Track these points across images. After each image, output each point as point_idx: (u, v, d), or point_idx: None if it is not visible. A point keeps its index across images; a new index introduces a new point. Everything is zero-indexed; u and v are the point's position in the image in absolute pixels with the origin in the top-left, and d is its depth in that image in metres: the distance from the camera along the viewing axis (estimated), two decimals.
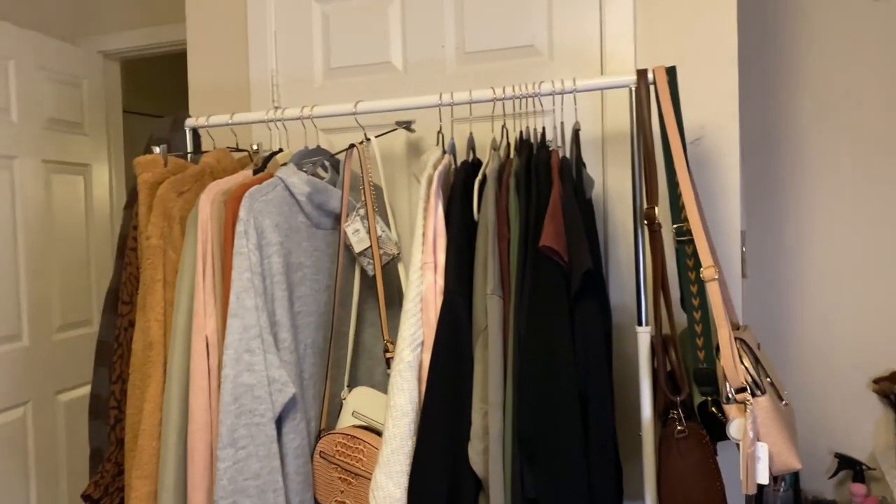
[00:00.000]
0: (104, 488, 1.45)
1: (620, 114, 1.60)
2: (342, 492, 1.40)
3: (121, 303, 1.50)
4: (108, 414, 1.49)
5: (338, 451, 1.41)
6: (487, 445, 1.20)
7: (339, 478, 1.41)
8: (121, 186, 2.83)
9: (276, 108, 1.57)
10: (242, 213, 1.34)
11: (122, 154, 2.84)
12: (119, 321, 1.50)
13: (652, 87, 1.30)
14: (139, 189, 1.46)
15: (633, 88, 1.32)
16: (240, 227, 1.34)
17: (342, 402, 1.52)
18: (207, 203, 1.39)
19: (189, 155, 1.65)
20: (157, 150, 1.53)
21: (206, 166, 1.54)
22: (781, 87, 2.10)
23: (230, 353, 1.30)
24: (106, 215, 2.72)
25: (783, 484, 1.96)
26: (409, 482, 1.25)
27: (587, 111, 1.63)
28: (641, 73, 1.30)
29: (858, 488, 1.94)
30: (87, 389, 2.56)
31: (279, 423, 1.36)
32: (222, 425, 1.29)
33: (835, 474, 2.02)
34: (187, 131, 1.66)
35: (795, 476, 1.98)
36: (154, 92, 3.97)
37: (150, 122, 3.78)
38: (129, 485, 1.38)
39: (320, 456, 1.44)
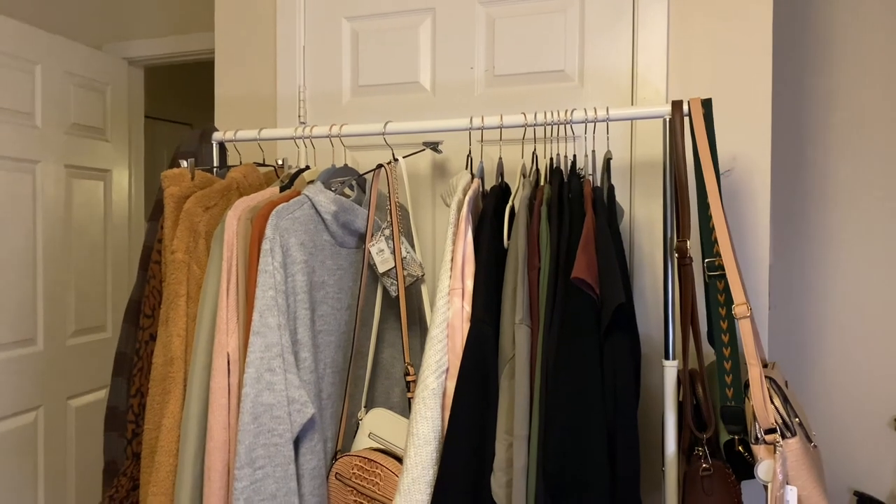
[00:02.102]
0: (118, 503, 1.44)
1: (650, 143, 1.59)
2: None
3: (142, 316, 1.49)
4: (124, 427, 1.48)
5: (354, 473, 1.40)
6: (511, 478, 1.19)
7: (355, 500, 1.39)
8: (140, 192, 2.83)
9: (303, 123, 1.57)
10: (269, 231, 1.33)
11: (142, 160, 2.85)
12: (140, 334, 1.49)
13: (686, 119, 1.29)
14: (165, 203, 1.46)
15: (668, 119, 1.31)
16: (265, 245, 1.33)
17: (358, 423, 1.50)
18: (234, 220, 1.38)
19: (216, 169, 1.65)
20: (184, 163, 1.53)
21: (232, 181, 1.53)
22: (810, 118, 2.08)
23: (251, 372, 1.29)
24: (125, 221, 2.72)
25: None
26: None
27: (617, 139, 1.62)
28: (677, 105, 1.29)
29: None
30: (98, 395, 2.55)
31: (296, 443, 1.35)
32: (241, 444, 1.28)
33: None
34: (214, 145, 1.65)
35: None
36: (176, 98, 3.98)
37: (172, 128, 3.79)
38: (145, 501, 1.37)
39: (336, 478, 1.42)
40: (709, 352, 1.28)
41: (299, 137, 1.54)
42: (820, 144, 2.07)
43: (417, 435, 1.24)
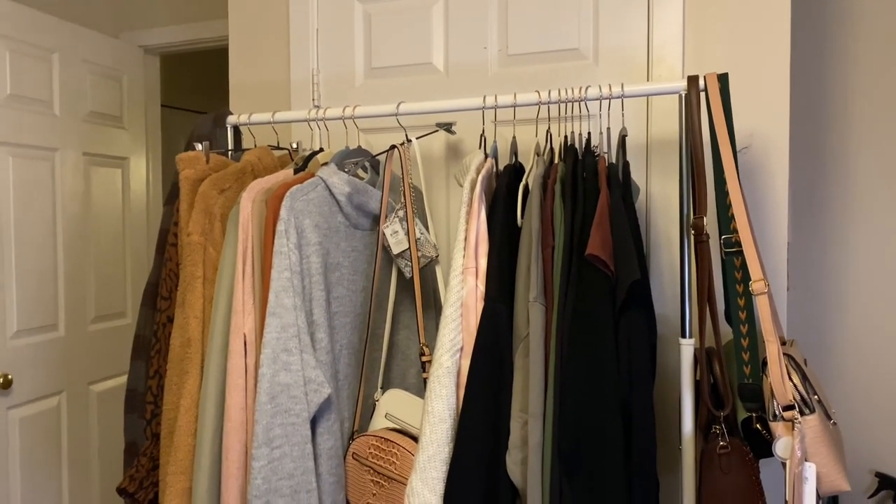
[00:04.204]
0: (139, 482, 1.46)
1: (666, 120, 1.57)
2: (374, 494, 1.40)
3: (160, 298, 1.51)
4: (144, 408, 1.50)
5: (371, 453, 1.40)
6: (526, 456, 1.19)
7: (372, 480, 1.40)
8: (157, 180, 2.85)
9: (317, 106, 1.57)
10: (283, 213, 1.34)
11: (159, 148, 2.86)
12: (157, 316, 1.50)
13: (702, 95, 1.27)
14: (181, 185, 1.47)
15: (683, 95, 1.29)
16: (280, 227, 1.34)
17: (375, 404, 1.51)
18: (249, 202, 1.39)
19: (230, 152, 1.65)
20: (199, 146, 1.54)
21: (247, 164, 1.54)
22: (830, 94, 2.05)
23: (268, 352, 1.30)
24: (143, 209, 2.75)
25: (821, 502, 1.91)
26: (446, 489, 1.23)
27: (632, 117, 1.60)
28: (692, 81, 1.27)
29: None
30: (120, 381, 2.59)
31: (313, 423, 1.36)
32: (258, 424, 1.29)
33: (874, 494, 1.97)
34: (229, 128, 1.66)
35: (834, 495, 1.93)
36: (192, 86, 4.00)
37: (188, 117, 3.82)
38: (164, 480, 1.38)
39: (353, 457, 1.43)
40: (726, 330, 1.27)
41: (313, 120, 1.54)
42: (840, 124, 2.04)
43: (433, 413, 1.25)
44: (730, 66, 1.55)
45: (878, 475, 1.97)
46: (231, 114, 1.66)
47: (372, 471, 1.40)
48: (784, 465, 1.15)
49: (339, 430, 1.42)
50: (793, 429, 1.14)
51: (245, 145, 1.74)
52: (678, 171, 1.53)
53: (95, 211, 2.49)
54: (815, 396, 1.20)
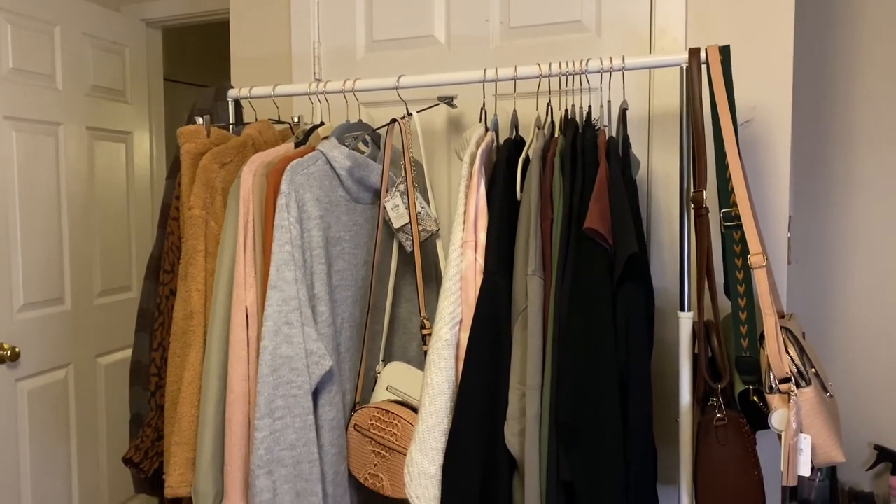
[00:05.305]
0: (144, 452, 1.48)
1: (669, 94, 1.56)
2: (375, 465, 1.42)
3: (162, 271, 1.52)
4: (148, 380, 1.52)
5: (372, 424, 1.42)
6: (524, 427, 1.20)
7: (373, 451, 1.42)
8: (161, 154, 2.85)
9: (318, 80, 1.56)
10: (284, 187, 1.34)
11: (163, 122, 2.86)
12: (160, 289, 1.52)
13: (704, 67, 1.26)
14: (182, 159, 1.47)
15: (685, 68, 1.28)
16: (281, 200, 1.34)
17: (377, 376, 1.53)
18: (249, 175, 1.39)
19: (231, 126, 1.65)
20: (200, 120, 1.54)
21: (248, 138, 1.54)
22: (835, 68, 2.03)
23: (269, 325, 1.31)
24: (146, 183, 2.75)
25: (819, 475, 1.93)
26: (445, 460, 1.25)
27: (634, 90, 1.59)
28: (694, 53, 1.27)
29: None
30: (126, 354, 2.61)
31: (315, 395, 1.37)
32: (260, 396, 1.30)
33: (873, 466, 1.99)
34: (229, 102, 1.66)
35: (832, 467, 1.95)
36: (195, 60, 3.98)
37: (191, 91, 3.80)
38: (169, 450, 1.41)
39: (355, 429, 1.45)
40: (724, 305, 1.27)
41: (313, 93, 1.54)
42: (842, 96, 2.02)
43: (432, 385, 1.26)
44: (733, 39, 1.53)
45: (877, 448, 1.98)
46: (232, 87, 1.66)
47: (373, 442, 1.42)
48: (780, 436, 1.16)
49: (341, 402, 1.43)
50: (789, 401, 1.15)
51: (246, 119, 1.74)
52: (679, 144, 1.52)
53: (99, 185, 2.50)
54: (812, 370, 1.21)
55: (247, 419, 1.36)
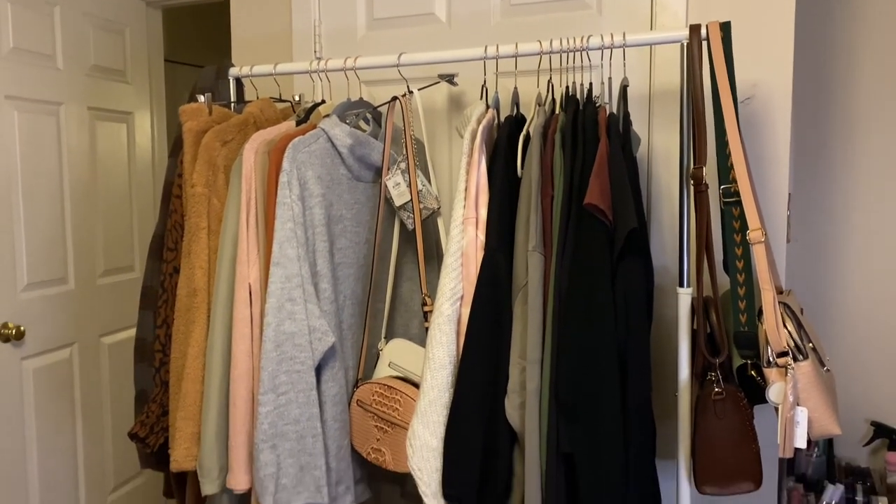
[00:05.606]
0: (149, 428, 1.50)
1: (670, 71, 1.56)
2: (378, 439, 1.44)
3: (166, 249, 1.53)
4: (153, 357, 1.54)
5: (375, 400, 1.44)
6: (524, 400, 1.22)
7: (376, 426, 1.44)
8: (162, 136, 2.85)
9: (319, 59, 1.56)
10: (286, 164, 1.35)
11: (163, 103, 2.86)
12: (164, 267, 1.53)
13: (705, 44, 1.27)
14: (184, 137, 1.48)
15: (685, 44, 1.28)
16: (283, 178, 1.35)
17: (379, 353, 1.54)
18: (251, 153, 1.40)
19: (233, 104, 1.66)
20: (201, 98, 1.54)
21: (249, 116, 1.54)
22: (836, 45, 2.02)
23: (272, 302, 1.33)
24: (148, 164, 2.75)
25: (816, 450, 1.95)
26: (446, 433, 1.27)
27: (635, 67, 1.59)
28: (694, 29, 1.27)
29: (894, 457, 1.92)
30: (129, 333, 2.63)
31: (318, 371, 1.39)
32: (264, 371, 1.32)
33: (870, 442, 2.01)
34: (231, 80, 1.66)
35: (829, 442, 1.97)
36: (195, 41, 3.97)
37: (191, 72, 3.79)
38: (174, 425, 1.43)
39: (357, 404, 1.46)
40: (723, 281, 1.28)
41: (314, 71, 1.54)
42: (843, 74, 2.02)
43: (433, 359, 1.28)
44: (735, 16, 1.53)
45: (874, 424, 2.00)
46: (233, 66, 1.66)
47: (376, 417, 1.44)
48: (777, 409, 1.17)
49: (344, 378, 1.45)
50: (786, 375, 1.16)
51: (247, 98, 1.74)
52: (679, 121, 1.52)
53: (101, 166, 2.50)
54: (810, 344, 1.22)
55: (251, 394, 1.37)
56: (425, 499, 1.29)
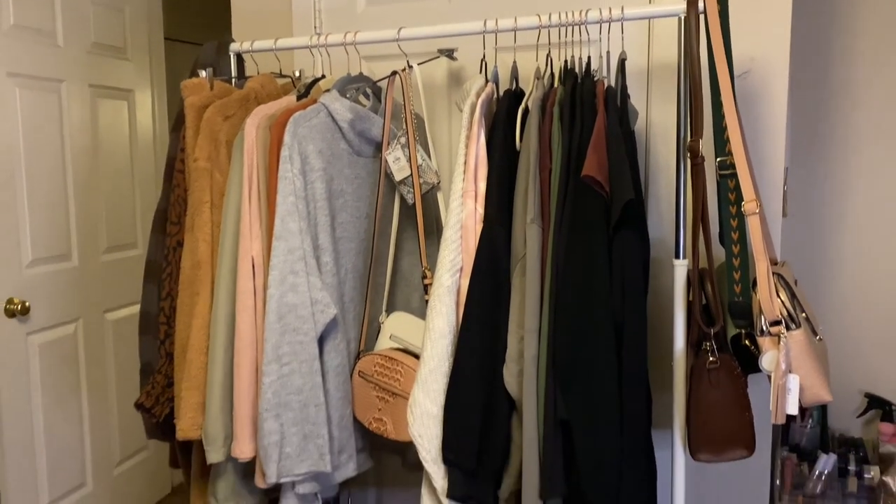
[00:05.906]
0: (155, 398, 1.53)
1: (668, 45, 1.57)
2: (379, 409, 1.46)
3: (169, 223, 1.55)
4: (157, 329, 1.56)
5: (376, 371, 1.47)
6: (522, 369, 1.24)
7: (377, 396, 1.47)
8: (163, 114, 2.86)
9: (319, 34, 1.57)
10: (287, 139, 1.36)
11: (164, 80, 2.86)
12: (167, 241, 1.55)
13: (702, 18, 1.27)
14: (186, 112, 1.49)
15: (683, 17, 1.29)
16: (284, 152, 1.36)
17: (380, 326, 1.57)
18: (253, 128, 1.41)
19: (234, 80, 1.67)
20: (203, 73, 1.55)
21: (251, 91, 1.55)
22: (834, 19, 2.03)
23: (275, 274, 1.35)
24: (149, 142, 2.77)
25: (810, 421, 1.98)
26: (446, 400, 1.30)
27: (634, 41, 1.60)
28: (692, 3, 1.27)
29: (887, 427, 1.95)
30: (132, 310, 2.66)
31: (321, 342, 1.41)
32: (267, 342, 1.34)
33: (863, 413, 2.04)
34: (232, 56, 1.67)
35: (823, 413, 2.00)
36: (196, 19, 3.96)
37: (191, 50, 3.78)
38: (179, 395, 1.45)
39: (359, 375, 1.49)
40: (719, 253, 1.30)
41: (314, 46, 1.55)
42: (841, 47, 2.02)
43: (433, 329, 1.30)
44: None
45: (868, 395, 2.03)
46: (234, 41, 1.67)
47: (377, 387, 1.47)
48: (770, 377, 1.20)
49: (346, 350, 1.48)
50: (779, 343, 1.19)
51: (248, 73, 1.75)
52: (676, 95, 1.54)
53: (103, 143, 2.52)
54: (803, 314, 1.24)
55: (254, 365, 1.40)
56: (426, 464, 1.32)
